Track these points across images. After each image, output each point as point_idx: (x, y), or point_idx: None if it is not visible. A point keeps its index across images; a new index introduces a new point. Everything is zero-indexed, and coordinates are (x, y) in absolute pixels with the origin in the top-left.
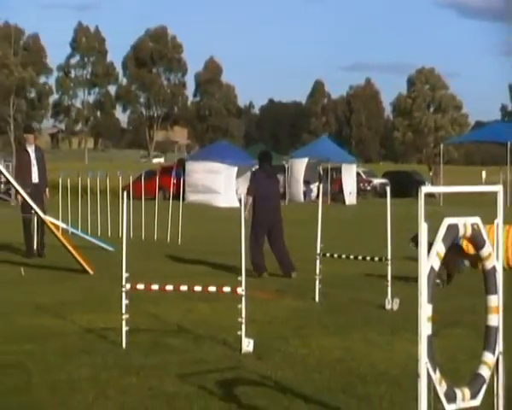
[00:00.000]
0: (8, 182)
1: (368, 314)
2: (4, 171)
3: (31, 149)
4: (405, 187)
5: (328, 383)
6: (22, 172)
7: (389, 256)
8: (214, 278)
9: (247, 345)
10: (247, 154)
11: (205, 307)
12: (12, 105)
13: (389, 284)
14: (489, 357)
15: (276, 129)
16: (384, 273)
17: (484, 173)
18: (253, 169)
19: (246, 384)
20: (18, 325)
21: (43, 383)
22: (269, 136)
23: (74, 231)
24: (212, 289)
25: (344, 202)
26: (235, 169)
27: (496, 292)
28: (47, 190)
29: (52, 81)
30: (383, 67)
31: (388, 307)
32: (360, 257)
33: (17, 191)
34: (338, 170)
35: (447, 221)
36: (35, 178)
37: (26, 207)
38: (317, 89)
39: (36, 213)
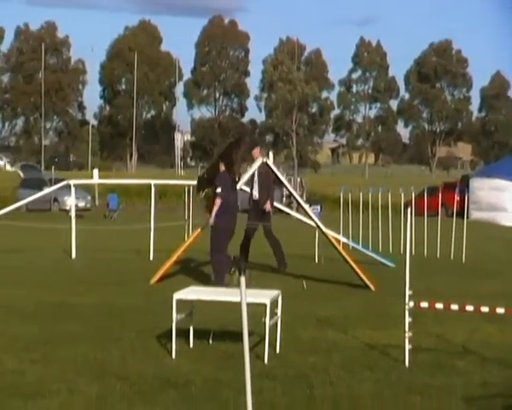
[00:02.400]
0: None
1: None
2: (287, 184)
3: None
4: None
5: None
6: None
7: None
8: (501, 298)
9: None
10: None
11: (491, 327)
12: (294, 120)
13: None
14: None
15: None
16: None
17: None
18: None
19: None
20: (301, 337)
21: (325, 396)
22: None
23: (355, 245)
24: (500, 310)
25: None
26: None
27: None
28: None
29: (334, 96)
30: None
31: None
32: None
33: (299, 204)
34: None
35: None
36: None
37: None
38: None
39: (318, 227)
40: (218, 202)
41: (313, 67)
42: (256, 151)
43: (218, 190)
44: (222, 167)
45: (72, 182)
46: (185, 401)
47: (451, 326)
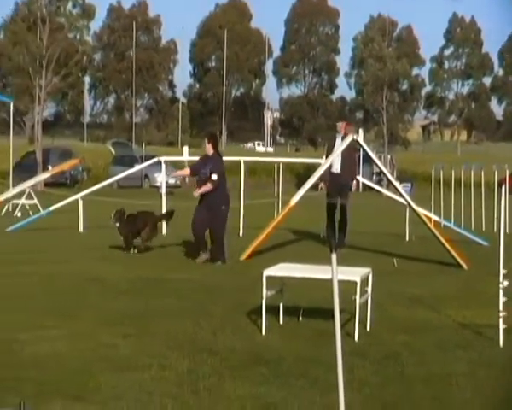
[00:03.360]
0: (380, 172)
1: None
2: (378, 162)
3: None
4: None
5: None
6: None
7: None
8: None
9: None
10: None
11: None
12: (385, 97)
13: None
14: None
15: None
16: None
17: None
18: None
19: None
20: (392, 315)
21: (416, 375)
22: None
23: (447, 223)
24: None
25: None
26: None
27: None
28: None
29: (425, 73)
30: None
31: None
32: None
33: (390, 182)
34: None
35: None
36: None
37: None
38: None
39: (409, 205)
40: (210, 186)
41: (404, 44)
42: (341, 125)
43: (214, 177)
44: (211, 150)
45: (162, 159)
46: (275, 377)
47: None
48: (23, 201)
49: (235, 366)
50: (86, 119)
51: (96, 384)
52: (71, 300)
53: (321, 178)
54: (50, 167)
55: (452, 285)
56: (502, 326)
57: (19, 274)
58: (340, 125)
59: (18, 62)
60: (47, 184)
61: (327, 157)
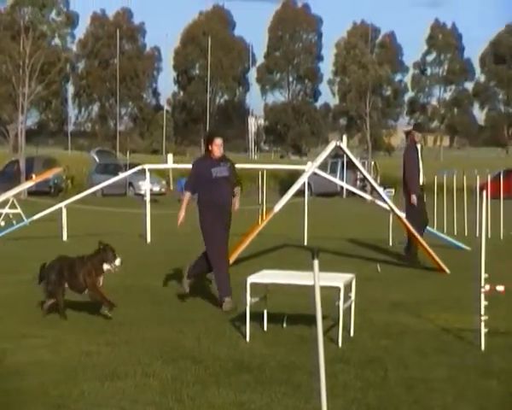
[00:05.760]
0: (364, 178)
1: None
2: (361, 168)
3: (419, 148)
4: None
5: None
6: (413, 170)
7: None
8: None
9: None
10: None
11: None
12: (368, 103)
13: None
14: None
15: None
16: None
17: None
18: None
19: None
20: (375, 321)
21: (399, 379)
22: None
23: (430, 229)
24: None
25: None
26: None
27: None
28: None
29: (408, 79)
30: None
31: None
32: None
33: (373, 188)
34: None
35: None
36: (421, 179)
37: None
38: None
39: (392, 210)
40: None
41: (387, 50)
42: (420, 136)
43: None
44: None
45: (146, 167)
46: (259, 383)
47: None
48: (6, 210)
49: (218, 373)
50: (70, 127)
51: (80, 393)
52: (53, 309)
53: (413, 192)
54: (34, 176)
55: (434, 290)
56: (483, 330)
57: (1, 283)
58: (421, 135)
59: (1, 71)
60: (30, 192)
61: (409, 170)
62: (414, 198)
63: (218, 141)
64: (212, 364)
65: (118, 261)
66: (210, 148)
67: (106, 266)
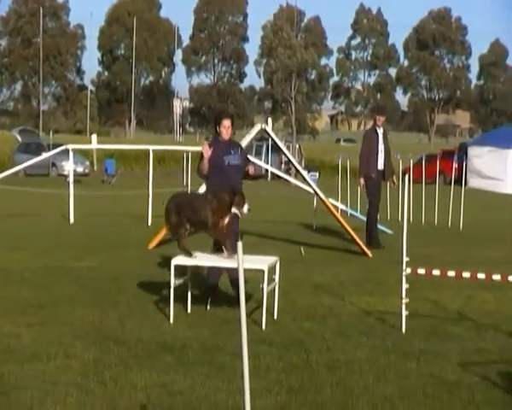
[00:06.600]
0: (288, 161)
1: None
2: (286, 151)
3: (380, 132)
4: None
5: None
6: (367, 155)
7: None
8: (497, 265)
9: None
10: None
11: (487, 295)
12: (293, 86)
13: None
14: None
15: None
16: None
17: None
18: None
19: None
20: (298, 303)
21: (321, 361)
22: None
23: (353, 213)
24: (496, 277)
25: None
26: None
27: None
28: (394, 177)
29: (333, 63)
30: None
31: None
32: None
33: (297, 171)
34: None
35: None
36: (381, 164)
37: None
38: None
39: (316, 194)
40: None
41: (312, 34)
42: (383, 119)
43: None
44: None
45: (70, 147)
46: (182, 365)
47: (448, 293)
48: None
49: (141, 354)
50: None
51: None
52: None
53: (362, 174)
54: None
55: (357, 273)
56: (404, 313)
57: None
58: (383, 119)
59: None
60: None
61: (366, 152)
62: (361, 181)
63: (227, 122)
64: (134, 345)
65: (246, 208)
66: (218, 129)
67: (233, 210)
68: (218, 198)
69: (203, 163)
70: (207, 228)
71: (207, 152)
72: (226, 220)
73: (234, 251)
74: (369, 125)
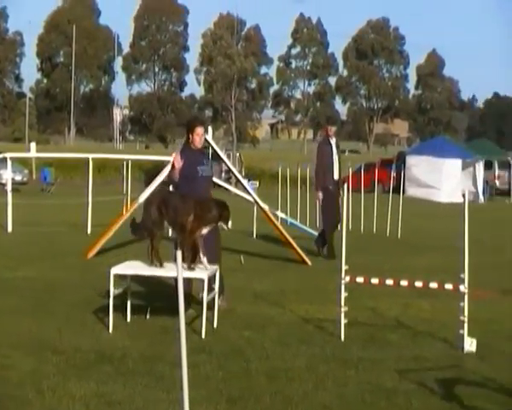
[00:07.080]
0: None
1: None
2: (226, 160)
3: (333, 142)
4: None
5: None
6: (323, 167)
7: None
8: (434, 274)
9: (470, 344)
10: (469, 148)
11: (424, 303)
12: (233, 95)
13: None
14: None
15: (501, 124)
16: None
17: None
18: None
19: (467, 385)
20: (237, 311)
21: (261, 370)
22: (493, 130)
23: (293, 221)
24: (433, 285)
25: None
26: (458, 164)
27: None
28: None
29: (273, 72)
30: None
31: None
32: None
33: (237, 180)
34: None
35: None
36: (336, 174)
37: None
38: None
39: (256, 202)
40: None
41: (252, 43)
42: (334, 130)
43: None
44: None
45: (8, 155)
46: (121, 375)
47: (386, 301)
48: None
49: (80, 364)
50: None
51: None
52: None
53: (318, 188)
54: None
55: (296, 281)
56: (343, 321)
57: None
58: (334, 129)
59: None
60: None
61: (322, 164)
62: (320, 195)
63: (200, 130)
64: (73, 355)
65: (230, 223)
66: (190, 137)
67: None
68: (204, 208)
69: (174, 173)
70: (184, 232)
71: (179, 162)
72: (204, 231)
73: (210, 262)
74: (320, 136)
